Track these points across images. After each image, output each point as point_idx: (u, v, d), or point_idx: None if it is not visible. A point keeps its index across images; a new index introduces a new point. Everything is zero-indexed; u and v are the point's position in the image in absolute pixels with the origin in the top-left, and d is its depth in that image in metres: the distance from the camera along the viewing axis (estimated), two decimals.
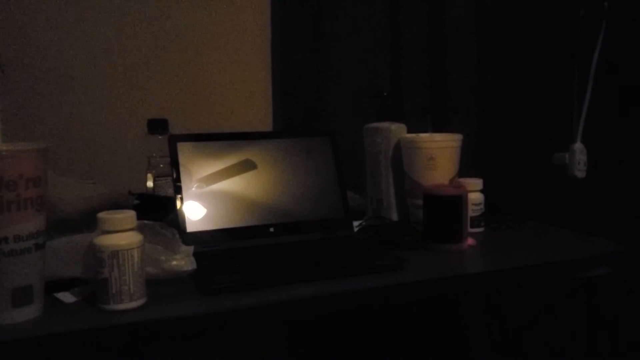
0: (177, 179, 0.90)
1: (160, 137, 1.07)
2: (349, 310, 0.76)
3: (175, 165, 0.91)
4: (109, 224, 0.66)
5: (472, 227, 1.00)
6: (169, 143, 0.93)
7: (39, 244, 0.64)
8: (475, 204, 1.01)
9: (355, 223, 1.02)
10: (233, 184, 0.94)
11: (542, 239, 1.00)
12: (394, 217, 1.07)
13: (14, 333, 0.60)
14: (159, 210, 0.92)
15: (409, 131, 1.09)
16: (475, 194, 1.01)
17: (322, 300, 0.73)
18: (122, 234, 0.66)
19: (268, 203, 0.95)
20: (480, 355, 1.42)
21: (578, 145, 1.15)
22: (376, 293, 0.76)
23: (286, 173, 0.98)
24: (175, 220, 0.88)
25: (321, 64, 1.34)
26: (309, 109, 1.34)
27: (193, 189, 0.91)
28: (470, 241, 0.94)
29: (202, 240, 0.88)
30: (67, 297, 0.69)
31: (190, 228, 0.88)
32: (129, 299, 0.66)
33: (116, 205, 0.80)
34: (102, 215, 0.67)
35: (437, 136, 1.05)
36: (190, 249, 0.76)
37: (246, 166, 0.95)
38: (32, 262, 0.63)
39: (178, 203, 0.89)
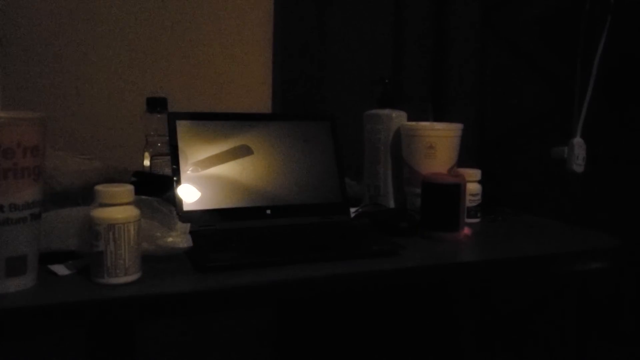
0: (175, 159, 0.90)
1: (158, 115, 1.06)
2: (341, 296, 0.76)
3: (173, 142, 0.91)
4: (106, 197, 0.66)
5: (468, 217, 1.00)
6: (168, 120, 0.92)
7: (34, 214, 0.63)
8: (473, 195, 1.01)
9: (352, 210, 1.02)
10: (231, 166, 0.93)
11: (538, 232, 1.00)
12: (391, 204, 1.07)
13: (7, 302, 0.60)
14: (156, 188, 0.91)
15: (409, 119, 1.08)
16: (473, 185, 1.01)
17: (317, 282, 0.73)
18: (119, 207, 0.66)
19: (265, 185, 0.95)
20: (472, 347, 1.42)
21: (577, 140, 1.15)
22: (370, 277, 0.76)
23: (284, 156, 0.97)
24: (172, 198, 0.88)
25: (323, 49, 1.34)
26: (310, 94, 1.33)
27: (189, 171, 0.90)
28: (466, 231, 0.94)
29: (199, 219, 0.87)
30: (61, 269, 0.69)
31: (187, 207, 0.88)
32: (123, 273, 0.66)
33: (113, 180, 0.80)
34: (99, 187, 0.66)
35: (438, 125, 1.05)
36: (187, 226, 0.75)
37: (242, 151, 0.95)
38: (27, 232, 0.62)
39: (175, 183, 0.89)
